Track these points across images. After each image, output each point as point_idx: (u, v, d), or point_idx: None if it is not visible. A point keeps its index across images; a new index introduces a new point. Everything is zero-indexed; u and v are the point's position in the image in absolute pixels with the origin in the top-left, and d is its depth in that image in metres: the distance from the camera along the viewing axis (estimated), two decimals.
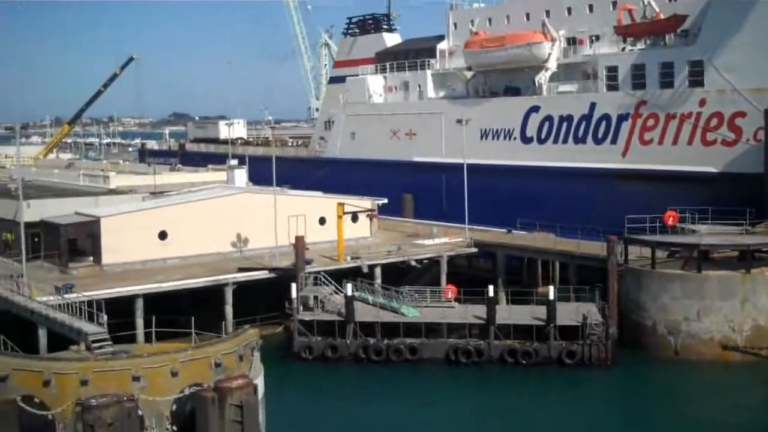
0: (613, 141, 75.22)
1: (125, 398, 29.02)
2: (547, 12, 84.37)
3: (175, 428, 31.23)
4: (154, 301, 55.49)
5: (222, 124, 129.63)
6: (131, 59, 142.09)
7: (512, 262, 71.67)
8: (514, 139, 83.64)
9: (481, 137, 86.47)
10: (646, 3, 74.03)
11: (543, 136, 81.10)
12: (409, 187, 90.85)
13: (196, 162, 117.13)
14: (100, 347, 37.98)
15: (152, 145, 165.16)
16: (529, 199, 78.36)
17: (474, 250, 71.37)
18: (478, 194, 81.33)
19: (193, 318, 38.66)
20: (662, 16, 73.48)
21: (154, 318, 43.20)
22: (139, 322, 53.76)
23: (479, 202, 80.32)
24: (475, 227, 74.75)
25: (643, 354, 56.57)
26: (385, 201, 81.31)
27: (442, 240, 72.97)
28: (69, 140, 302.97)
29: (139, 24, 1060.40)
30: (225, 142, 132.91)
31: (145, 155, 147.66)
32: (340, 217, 65.65)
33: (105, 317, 40.18)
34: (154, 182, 76.83)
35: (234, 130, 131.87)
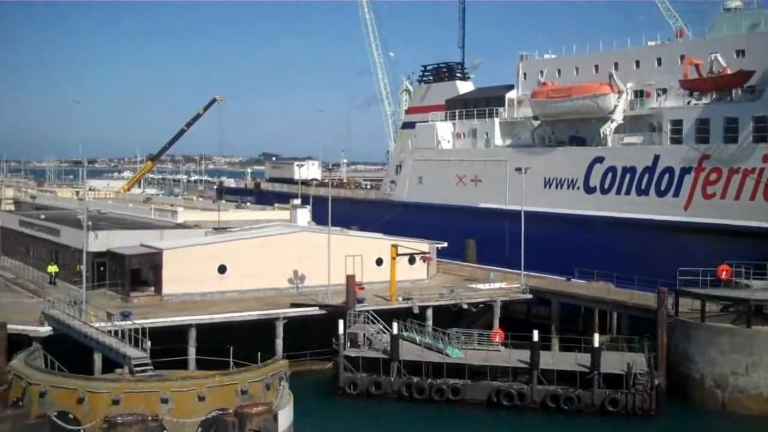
0: (676, 194, 74.82)
1: (150, 418, 30.49)
2: (616, 64, 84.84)
3: None
4: (209, 331, 57.27)
5: (296, 164, 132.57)
6: (214, 100, 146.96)
7: (569, 309, 71.57)
8: (578, 188, 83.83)
9: (545, 185, 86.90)
10: (712, 58, 73.94)
11: (606, 187, 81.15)
12: (473, 232, 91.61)
13: (270, 200, 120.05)
14: (142, 371, 39.64)
15: (230, 183, 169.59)
16: (590, 247, 78.26)
17: (529, 296, 71.55)
18: (540, 242, 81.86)
19: (231, 348, 40.03)
20: (729, 72, 73.25)
21: (192, 348, 44.72)
22: (191, 350, 55.60)
23: (540, 249, 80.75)
24: (534, 274, 75.17)
25: (689, 406, 56.01)
26: (445, 245, 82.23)
27: (498, 285, 73.42)
28: (158, 176, 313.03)
29: (230, 65, 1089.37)
30: (298, 182, 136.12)
31: (222, 193, 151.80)
32: (393, 258, 66.76)
33: (149, 343, 41.90)
34: (218, 218, 79.40)
35: (309, 171, 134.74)
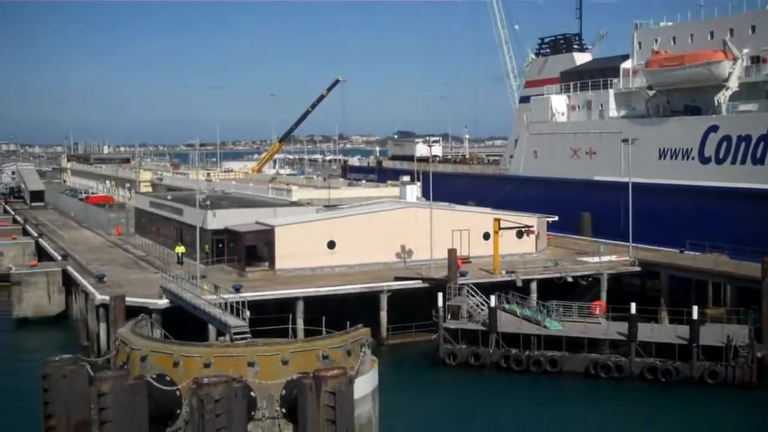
0: None
1: (233, 379, 33.10)
2: (731, 30, 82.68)
3: (284, 410, 35.04)
4: (316, 304, 59.87)
5: (416, 142, 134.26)
6: (337, 81, 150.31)
7: (682, 282, 70.88)
8: (692, 159, 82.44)
9: (660, 156, 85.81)
10: None
11: (721, 156, 79.52)
12: (588, 206, 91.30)
13: (391, 178, 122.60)
14: (242, 338, 42.54)
15: (354, 162, 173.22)
16: (704, 219, 77.12)
17: (637, 269, 71.37)
18: (654, 214, 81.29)
19: (323, 318, 42.16)
20: None
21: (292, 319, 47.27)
22: (299, 321, 58.37)
23: (654, 221, 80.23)
24: (647, 247, 74.88)
25: None
26: (555, 218, 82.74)
27: (607, 258, 73.38)
28: (295, 156, 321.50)
29: (363, 46, 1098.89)
30: (420, 159, 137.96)
31: (346, 171, 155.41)
32: (496, 232, 67.87)
33: (248, 313, 44.80)
34: (328, 195, 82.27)
35: (430, 148, 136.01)
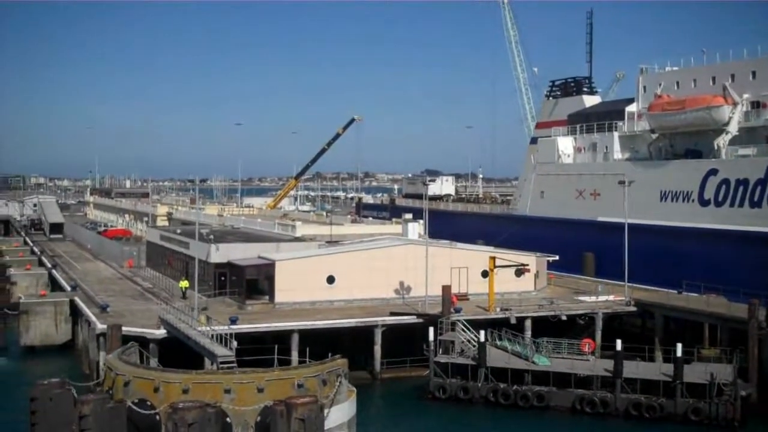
0: None
1: (207, 404, 34.72)
2: (732, 75, 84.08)
3: None
4: (313, 337, 61.30)
5: (429, 180, 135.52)
6: (353, 120, 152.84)
7: (679, 323, 71.52)
8: (692, 201, 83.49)
9: (661, 198, 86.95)
10: None
11: (720, 199, 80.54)
12: (591, 246, 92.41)
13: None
14: (228, 367, 44.17)
15: (368, 199, 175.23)
16: (703, 260, 77.99)
17: (633, 309, 72.31)
18: (654, 255, 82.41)
19: (307, 349, 43.72)
20: None
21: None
22: (294, 354, 59.90)
23: (654, 262, 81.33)
24: (645, 287, 75.94)
25: None
26: (556, 258, 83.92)
27: (604, 298, 74.42)
28: (319, 193, 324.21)
29: (383, 86, 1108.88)
30: (432, 198, 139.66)
31: (360, 208, 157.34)
32: (491, 270, 69.20)
33: (235, 343, 46.51)
34: (330, 232, 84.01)
35: (442, 186, 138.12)
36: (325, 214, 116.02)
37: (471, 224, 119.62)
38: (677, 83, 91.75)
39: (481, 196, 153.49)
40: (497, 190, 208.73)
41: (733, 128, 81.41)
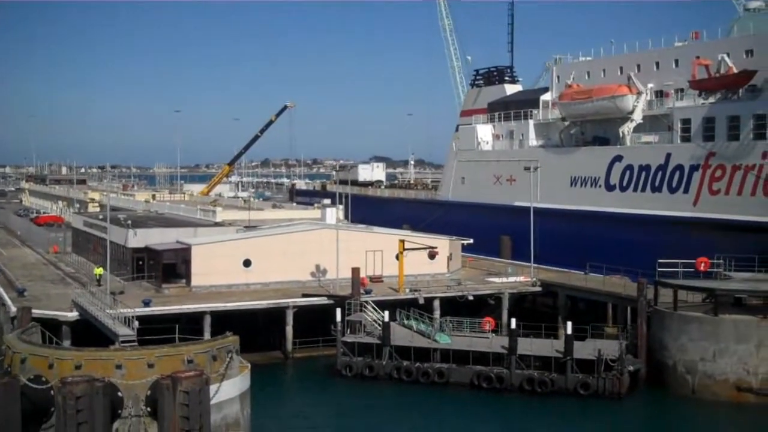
0: (686, 190, 77.57)
1: (95, 379, 36.71)
2: (638, 66, 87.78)
3: (149, 409, 38.68)
4: (229, 318, 63.13)
5: (360, 167, 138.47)
6: (285, 107, 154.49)
7: (589, 303, 74.44)
8: (599, 186, 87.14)
9: (571, 184, 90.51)
10: (720, 59, 76.39)
11: (624, 184, 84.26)
12: (508, 229, 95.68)
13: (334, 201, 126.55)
14: (130, 347, 46.18)
15: (300, 185, 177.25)
16: (607, 242, 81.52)
17: (538, 289, 75.65)
18: (563, 238, 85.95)
19: (221, 333, 45.55)
20: (734, 72, 75.57)
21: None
22: (206, 335, 61.93)
23: (563, 245, 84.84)
24: (555, 269, 79.41)
25: (664, 391, 59.30)
26: (470, 241, 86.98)
27: (513, 279, 77.62)
28: (263, 180, 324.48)
29: (329, 71, 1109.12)
30: (363, 184, 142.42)
31: (293, 194, 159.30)
32: (400, 252, 71.92)
33: (136, 324, 48.72)
34: (248, 217, 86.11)
35: (373, 172, 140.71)
36: (247, 201, 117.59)
37: (398, 209, 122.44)
38: (588, 73, 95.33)
39: (412, 182, 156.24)
40: (434, 176, 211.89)
41: (638, 116, 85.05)
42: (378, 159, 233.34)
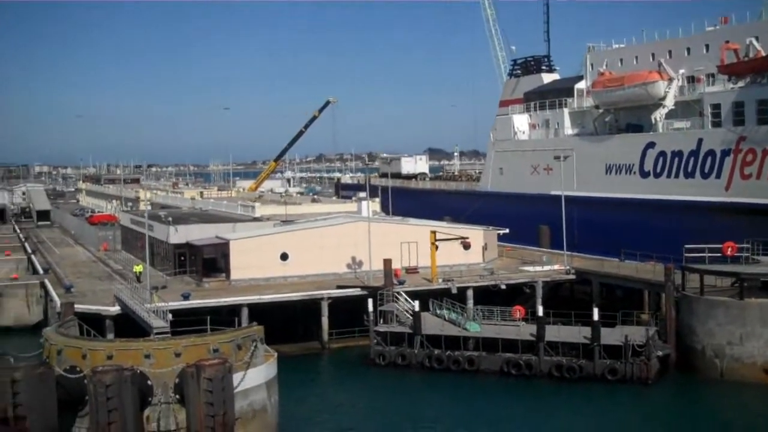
0: (718, 175, 77.71)
1: (124, 368, 38.93)
2: (670, 52, 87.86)
3: (177, 396, 40.84)
4: (268, 311, 65.08)
5: (403, 160, 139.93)
6: (328, 102, 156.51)
7: (627, 291, 74.75)
8: (634, 173, 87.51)
9: (606, 172, 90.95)
10: (748, 42, 76.35)
11: (658, 171, 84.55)
12: (547, 219, 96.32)
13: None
14: (163, 337, 48.41)
15: (346, 179, 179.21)
16: (642, 229, 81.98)
17: (572, 277, 76.40)
18: (601, 225, 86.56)
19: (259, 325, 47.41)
20: (762, 55, 75.47)
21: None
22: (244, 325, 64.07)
23: (601, 232, 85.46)
24: (591, 257, 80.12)
25: (693, 376, 59.94)
26: (506, 230, 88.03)
27: (548, 267, 78.48)
28: (316, 175, 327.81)
29: (365, 68, 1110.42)
30: (407, 176, 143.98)
31: (339, 188, 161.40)
32: (432, 243, 73.30)
33: (170, 316, 51.00)
34: (285, 211, 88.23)
35: (416, 165, 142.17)
36: (284, 196, 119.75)
37: (440, 201, 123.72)
38: (621, 60, 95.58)
39: (456, 173, 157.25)
40: (482, 167, 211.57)
41: (670, 102, 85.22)
42: (432, 151, 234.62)
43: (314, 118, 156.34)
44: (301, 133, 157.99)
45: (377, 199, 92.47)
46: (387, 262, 69.25)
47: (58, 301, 65.31)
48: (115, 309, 62.31)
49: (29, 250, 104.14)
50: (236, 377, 41.00)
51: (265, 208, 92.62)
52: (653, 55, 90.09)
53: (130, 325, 60.07)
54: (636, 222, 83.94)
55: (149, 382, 40.49)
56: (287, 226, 79.21)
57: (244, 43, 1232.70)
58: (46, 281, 77.66)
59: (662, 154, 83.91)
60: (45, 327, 77.94)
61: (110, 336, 59.63)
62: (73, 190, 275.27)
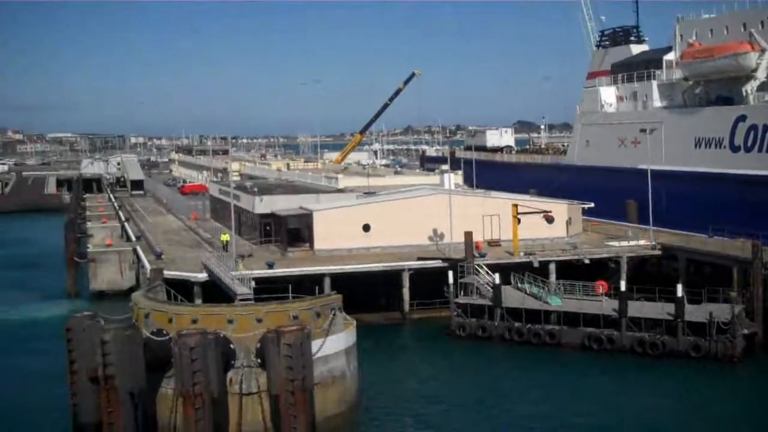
0: None
1: (207, 332, 40.24)
2: (762, 22, 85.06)
3: (259, 360, 42.08)
4: (350, 281, 66.00)
5: (489, 133, 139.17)
6: (413, 75, 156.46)
7: (711, 267, 73.42)
8: (724, 147, 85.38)
9: (695, 146, 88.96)
10: None
11: (749, 145, 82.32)
12: (634, 193, 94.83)
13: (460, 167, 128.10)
14: (246, 303, 49.73)
15: (430, 152, 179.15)
16: (733, 205, 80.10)
17: (658, 252, 75.30)
18: (691, 200, 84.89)
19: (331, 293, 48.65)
20: None
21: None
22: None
23: (690, 207, 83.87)
24: (681, 232, 78.98)
25: None
26: (591, 205, 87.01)
27: (634, 242, 77.47)
28: (403, 147, 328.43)
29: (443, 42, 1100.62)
30: (492, 149, 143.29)
31: (423, 161, 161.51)
32: (514, 216, 73.11)
33: (252, 283, 52.41)
34: (367, 183, 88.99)
35: (501, 138, 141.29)
36: (366, 167, 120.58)
37: (526, 175, 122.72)
38: (711, 31, 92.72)
39: (543, 146, 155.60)
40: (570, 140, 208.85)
41: (761, 74, 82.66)
42: (522, 124, 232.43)
43: (399, 90, 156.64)
44: (386, 106, 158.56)
45: (460, 172, 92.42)
46: (468, 235, 69.39)
47: (148, 267, 67.49)
48: (203, 276, 64.11)
49: (123, 218, 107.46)
50: (315, 344, 42.01)
51: (349, 179, 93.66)
52: (744, 25, 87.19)
53: (216, 292, 61.86)
54: (725, 197, 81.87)
55: (232, 346, 41.80)
56: (369, 197, 79.98)
57: (330, 16, 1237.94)
58: (138, 248, 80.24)
59: (753, 127, 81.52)
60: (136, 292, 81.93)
61: (198, 301, 61.41)
62: (166, 160, 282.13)
